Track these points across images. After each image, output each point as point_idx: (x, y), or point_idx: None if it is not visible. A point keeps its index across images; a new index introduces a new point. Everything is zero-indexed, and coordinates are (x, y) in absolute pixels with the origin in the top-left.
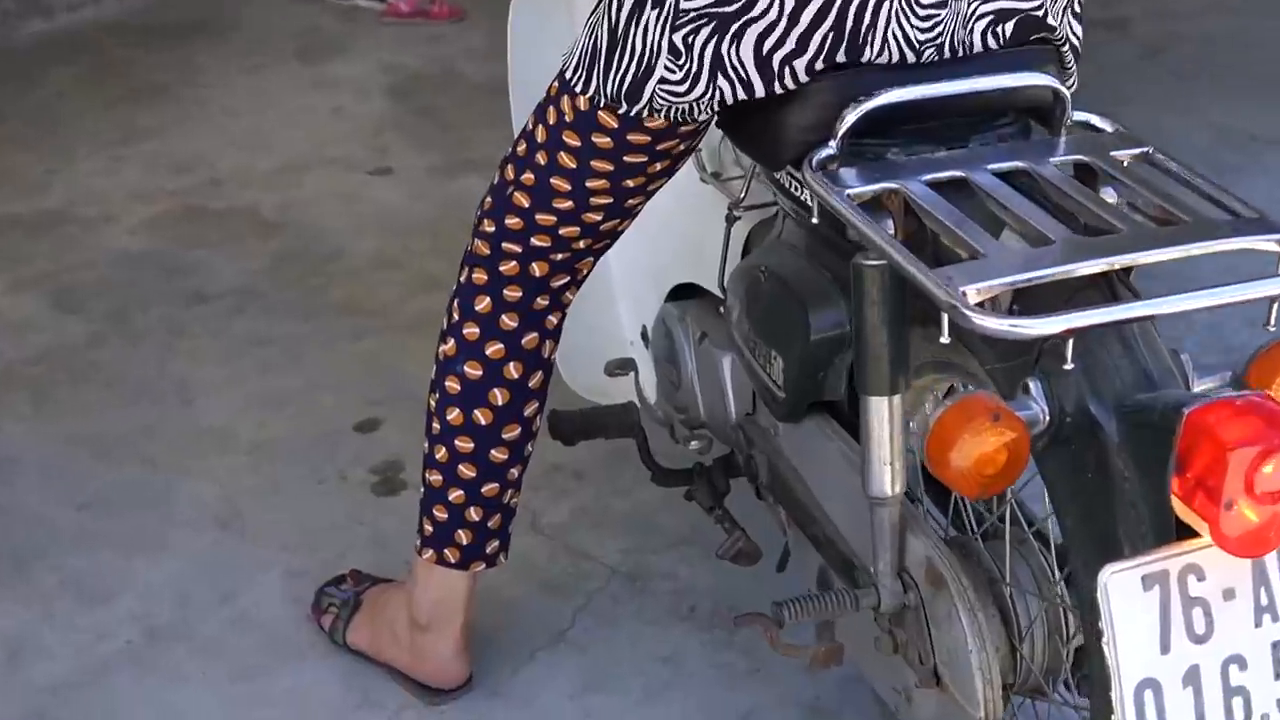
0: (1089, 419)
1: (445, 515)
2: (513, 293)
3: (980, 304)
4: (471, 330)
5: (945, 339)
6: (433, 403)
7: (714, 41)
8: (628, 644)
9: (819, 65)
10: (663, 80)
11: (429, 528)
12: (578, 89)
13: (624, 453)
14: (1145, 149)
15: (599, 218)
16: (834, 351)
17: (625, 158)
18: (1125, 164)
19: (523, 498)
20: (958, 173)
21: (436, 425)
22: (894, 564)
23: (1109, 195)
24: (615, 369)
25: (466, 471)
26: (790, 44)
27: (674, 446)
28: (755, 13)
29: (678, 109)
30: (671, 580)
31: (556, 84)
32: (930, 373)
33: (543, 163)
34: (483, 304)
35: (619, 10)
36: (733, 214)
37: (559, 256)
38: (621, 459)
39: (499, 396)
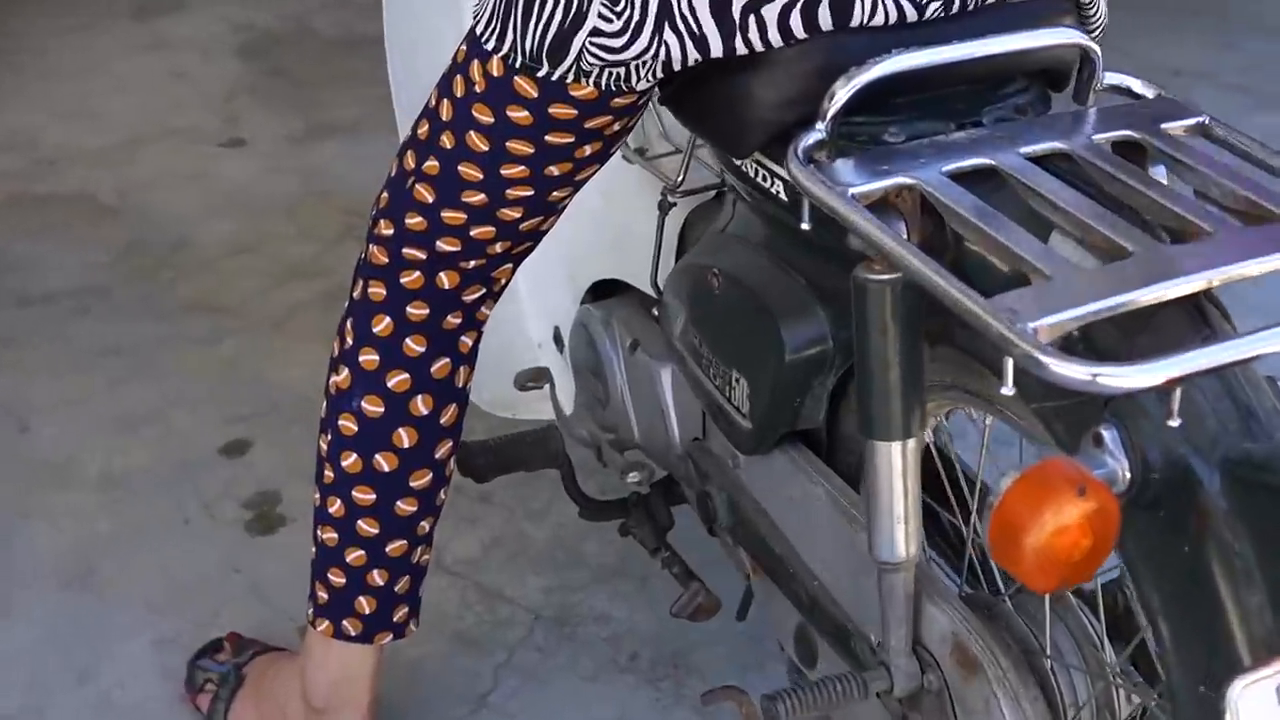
0: (1185, 477)
1: (343, 580)
2: (418, 310)
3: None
4: (369, 358)
5: (1009, 389)
6: (324, 446)
7: None
8: (562, 704)
9: (795, 21)
10: (595, 32)
11: (323, 595)
12: (489, 47)
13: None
14: (1200, 118)
15: (517, 214)
16: (813, 374)
17: (548, 137)
18: (1178, 139)
19: None
20: (983, 159)
21: (330, 473)
22: (909, 639)
23: (1166, 180)
24: (528, 382)
25: (367, 528)
26: None
27: (601, 469)
28: None
29: (612, 73)
30: (605, 623)
31: (465, 46)
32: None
33: (449, 146)
34: (382, 325)
35: None
36: (667, 200)
37: (471, 264)
38: (534, 475)
39: (405, 437)
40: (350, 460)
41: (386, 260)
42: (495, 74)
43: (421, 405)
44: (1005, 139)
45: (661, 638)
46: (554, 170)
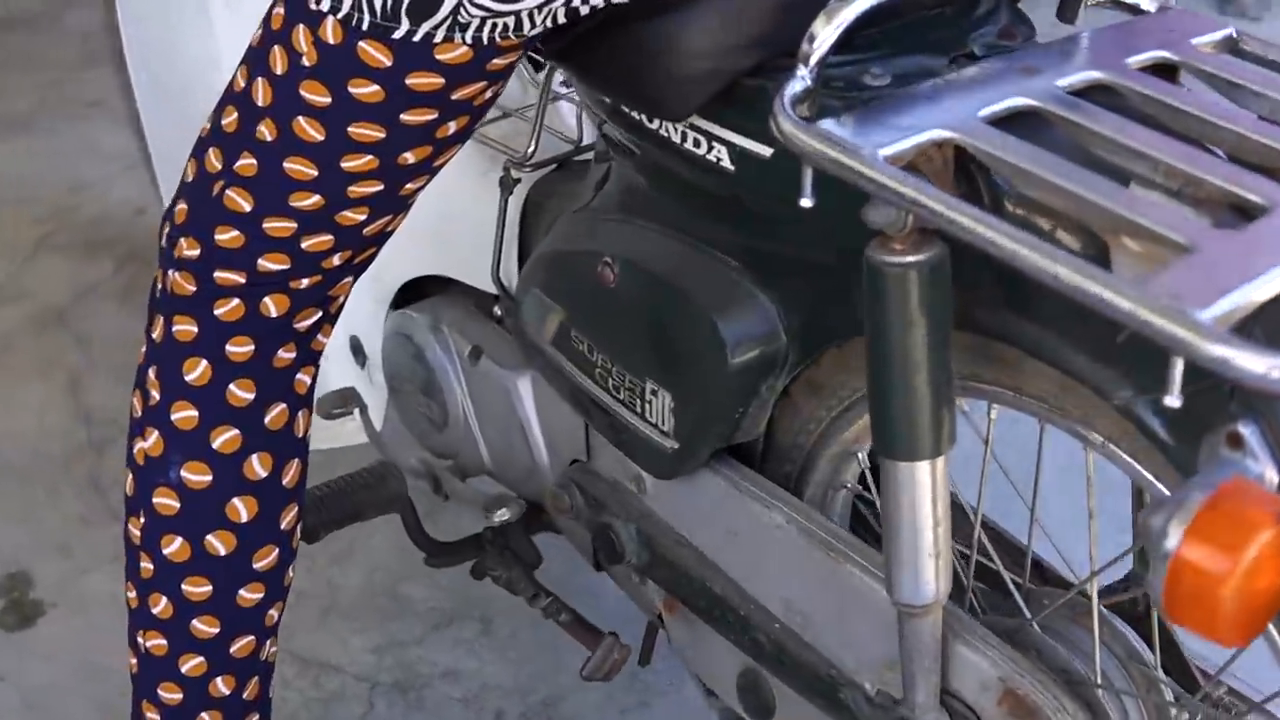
0: None
1: (179, 696)
2: (240, 348)
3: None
4: (185, 414)
5: (1174, 399)
6: (135, 531)
7: None
8: None
9: None
10: None
11: (154, 716)
12: (322, 6)
13: None
14: (1227, 31)
15: (362, 216)
16: (762, 377)
17: (404, 116)
18: (1213, 57)
19: None
20: (1020, 99)
21: (148, 565)
22: (938, 690)
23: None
24: (332, 409)
25: (205, 628)
26: None
27: (440, 504)
28: None
29: (496, 24)
30: (455, 680)
31: (282, 9)
32: None
33: (270, 138)
34: (197, 371)
35: None
36: (510, 176)
37: (304, 283)
38: None
39: (242, 509)
40: (175, 546)
41: (194, 289)
42: (332, 40)
43: (258, 466)
44: (1027, 72)
45: (524, 688)
46: (409, 157)
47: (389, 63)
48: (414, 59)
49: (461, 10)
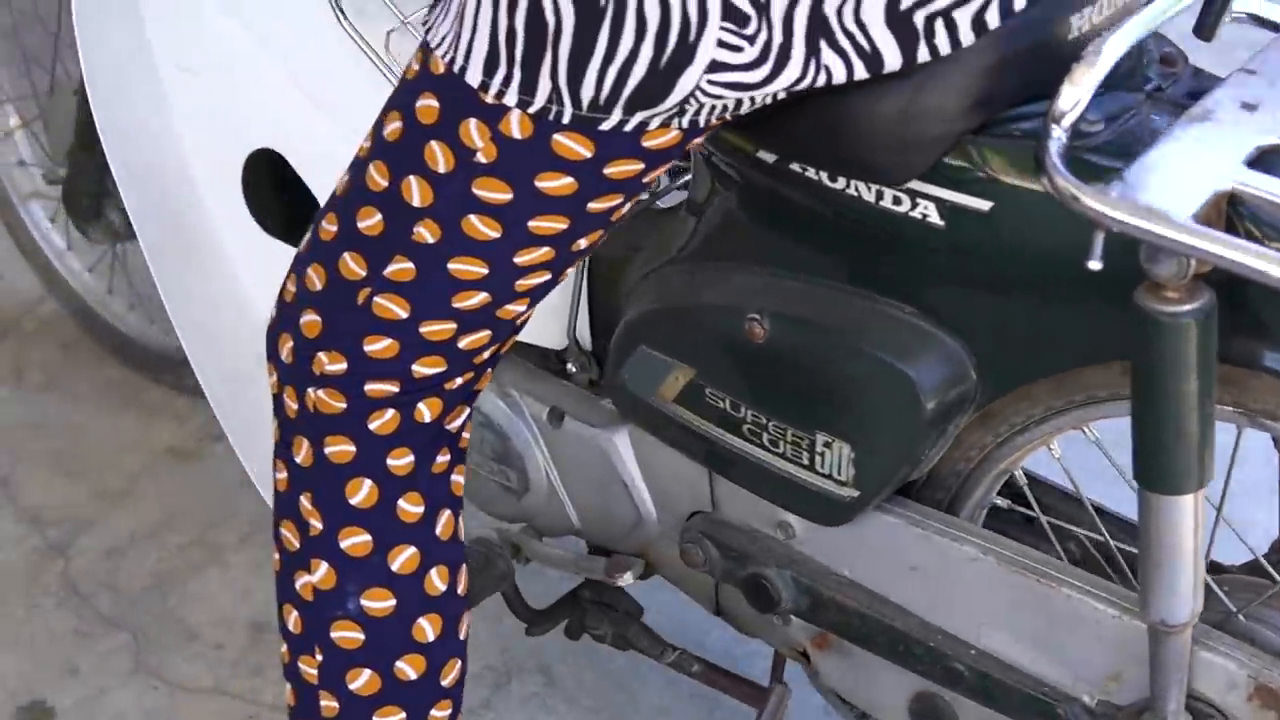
0: None
1: None
2: (400, 460)
3: None
4: (357, 540)
5: None
6: (311, 671)
7: None
8: None
9: (992, 15)
10: (716, 67)
11: None
12: (509, 100)
13: None
14: None
15: (522, 308)
16: (953, 417)
17: (591, 204)
18: None
19: None
20: (1269, 139)
21: (332, 703)
22: (1184, 698)
23: None
24: None
25: None
26: None
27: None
28: None
29: (716, 106)
30: None
31: (435, 102)
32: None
33: (432, 240)
34: (362, 493)
35: None
36: None
37: (458, 381)
38: None
39: (428, 628)
40: (363, 679)
41: (344, 405)
42: (518, 135)
43: (437, 580)
44: (1249, 107)
45: None
46: (582, 243)
47: (589, 154)
48: (619, 148)
49: (699, 93)
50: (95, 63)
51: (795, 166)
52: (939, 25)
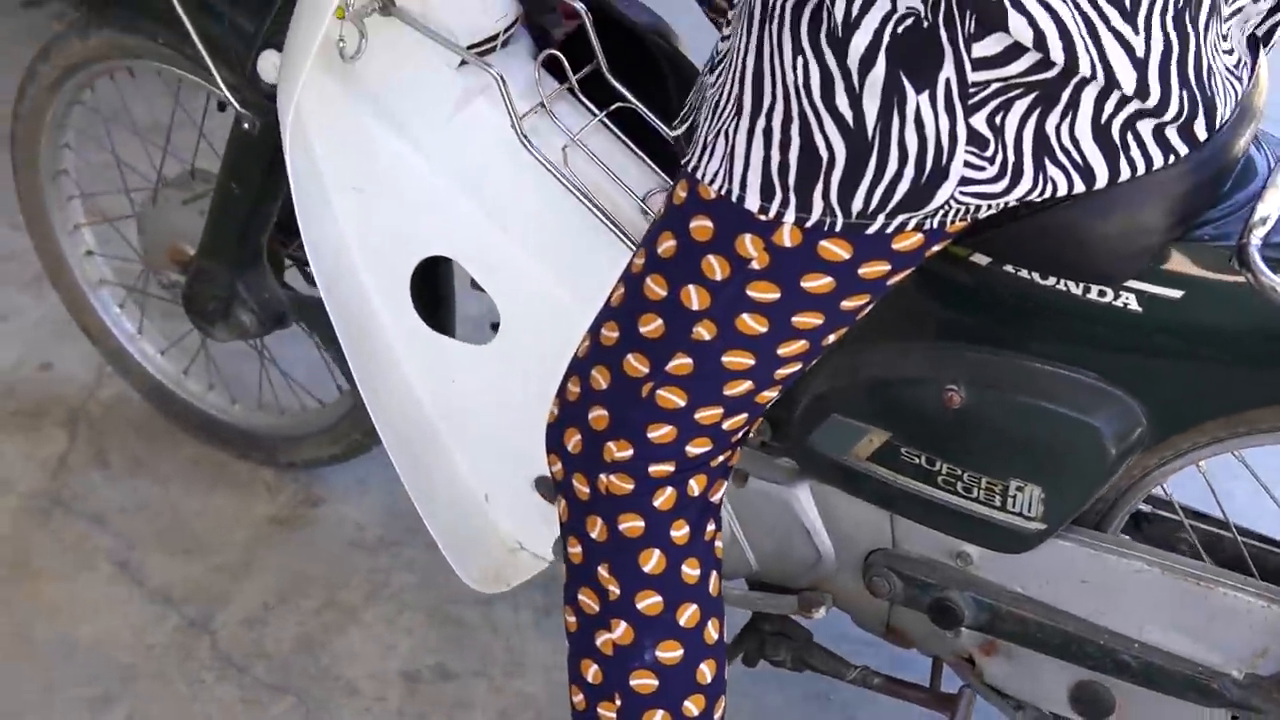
0: None
1: None
2: (679, 531)
3: None
4: (651, 601)
5: None
6: (610, 715)
7: (1035, 117)
8: None
9: (1172, 135)
10: (964, 181)
11: None
12: (787, 218)
13: None
14: None
15: (775, 393)
16: (1125, 460)
17: (844, 302)
18: None
19: None
20: None
21: None
22: None
23: None
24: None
25: None
26: (1140, 107)
27: None
28: (1085, 71)
29: (960, 210)
30: None
31: (709, 222)
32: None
33: (709, 337)
34: (652, 562)
35: (852, 105)
36: None
37: (720, 459)
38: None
39: (707, 671)
40: (656, 719)
41: (631, 486)
42: (789, 244)
43: (712, 630)
44: None
45: None
46: (830, 338)
47: (847, 256)
48: (872, 250)
49: (946, 204)
50: (300, 188)
51: (1008, 268)
52: (1130, 139)
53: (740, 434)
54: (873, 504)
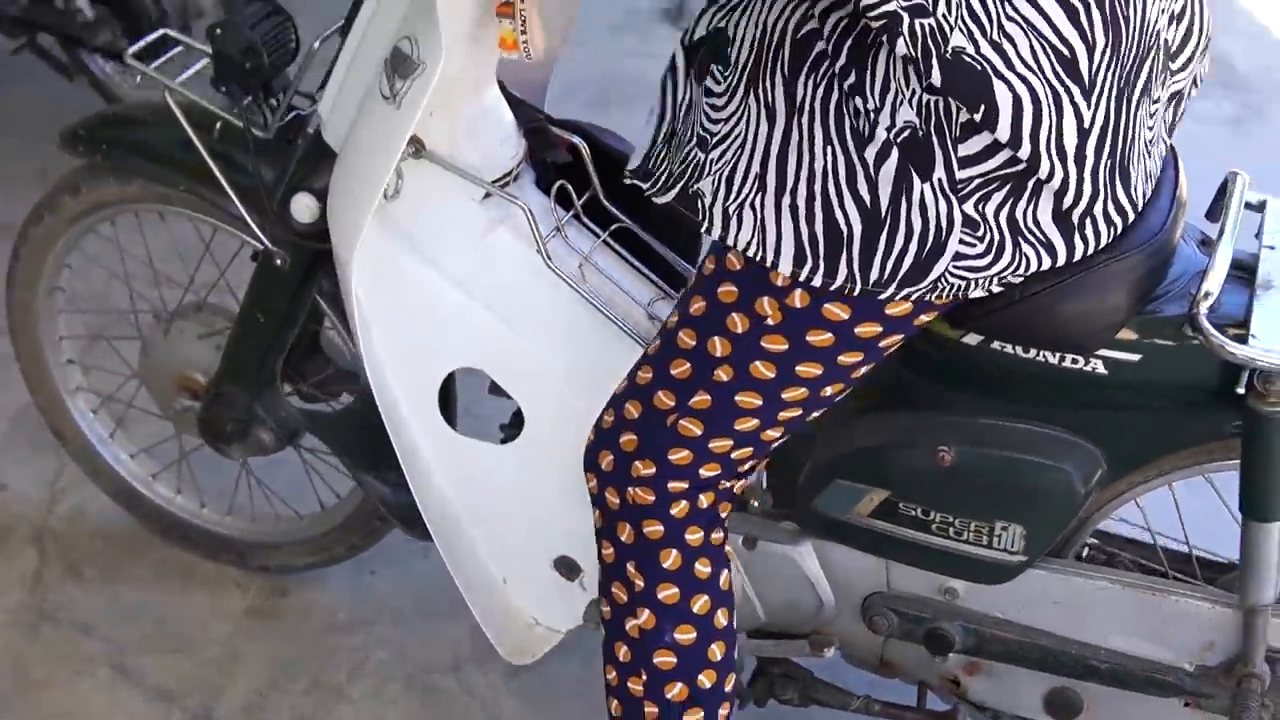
0: None
1: None
2: (693, 535)
3: None
4: (669, 593)
5: None
6: (637, 688)
7: (1008, 206)
8: None
9: (1112, 212)
10: (958, 257)
11: None
12: (814, 280)
13: None
14: None
15: (778, 434)
16: (1089, 497)
17: (841, 357)
18: None
19: None
20: None
21: (654, 710)
22: (1264, 650)
23: None
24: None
25: None
26: (1085, 199)
27: None
28: (1043, 174)
29: (950, 286)
30: None
31: (733, 287)
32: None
33: (725, 379)
34: (670, 560)
35: (869, 189)
36: None
37: (726, 483)
38: None
39: (717, 651)
40: (675, 691)
41: (653, 499)
42: (799, 305)
43: (721, 618)
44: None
45: None
46: (828, 391)
47: (846, 316)
48: (868, 313)
49: (945, 278)
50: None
51: (996, 345)
52: (1088, 223)
53: (748, 465)
54: (870, 553)
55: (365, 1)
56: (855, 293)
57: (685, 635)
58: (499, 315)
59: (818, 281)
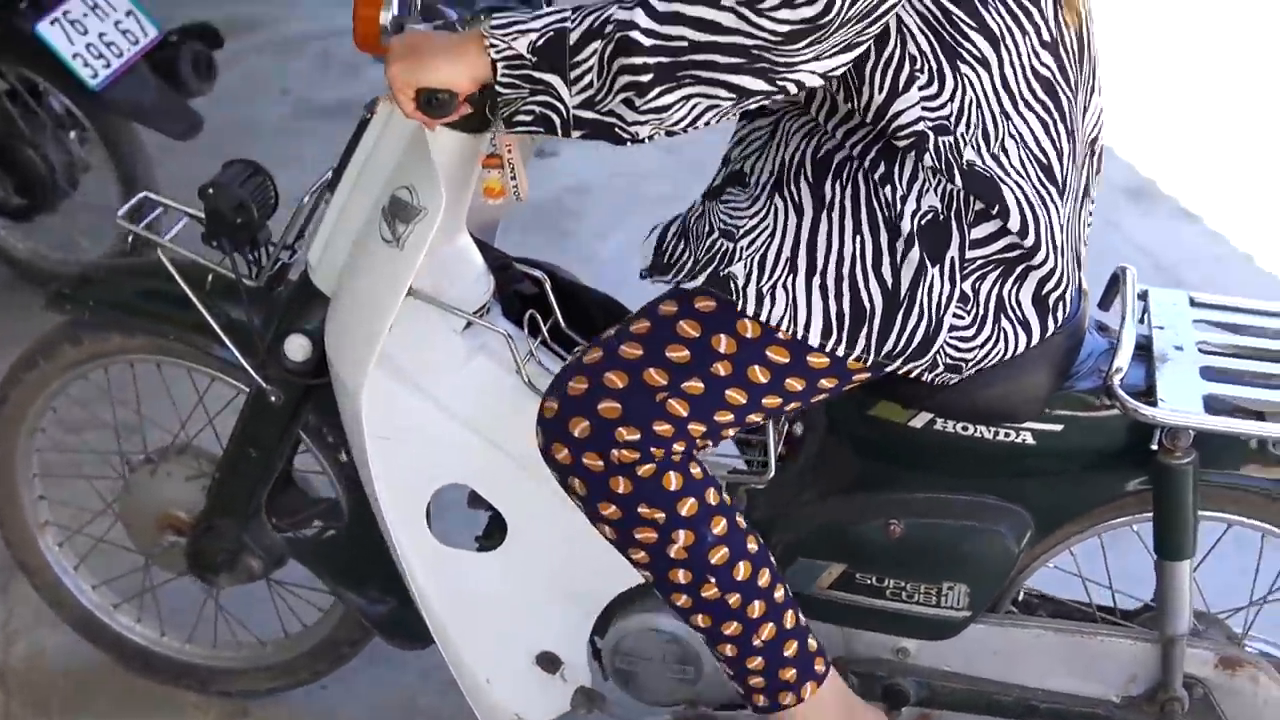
0: None
1: (795, 647)
2: (694, 470)
3: None
4: (689, 504)
5: None
6: (713, 591)
7: (998, 286)
8: None
9: (1069, 297)
10: (952, 328)
11: (790, 669)
12: (838, 352)
13: None
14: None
15: (734, 432)
16: (1022, 554)
17: (821, 380)
18: None
19: None
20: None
21: (734, 595)
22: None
23: None
24: (580, 706)
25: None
26: (1061, 284)
27: None
28: (1037, 260)
29: (946, 366)
30: None
31: (751, 335)
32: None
33: (723, 374)
34: (674, 483)
35: (893, 273)
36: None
37: (693, 454)
38: None
39: (741, 522)
40: (740, 570)
41: (636, 457)
42: (817, 366)
43: (741, 521)
44: (1176, 346)
45: None
46: (788, 407)
47: (829, 361)
48: (846, 376)
49: (942, 352)
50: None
51: (938, 425)
52: (1060, 306)
53: (710, 443)
54: (832, 623)
55: (350, 163)
56: (868, 363)
57: (719, 527)
58: (483, 435)
59: (840, 353)
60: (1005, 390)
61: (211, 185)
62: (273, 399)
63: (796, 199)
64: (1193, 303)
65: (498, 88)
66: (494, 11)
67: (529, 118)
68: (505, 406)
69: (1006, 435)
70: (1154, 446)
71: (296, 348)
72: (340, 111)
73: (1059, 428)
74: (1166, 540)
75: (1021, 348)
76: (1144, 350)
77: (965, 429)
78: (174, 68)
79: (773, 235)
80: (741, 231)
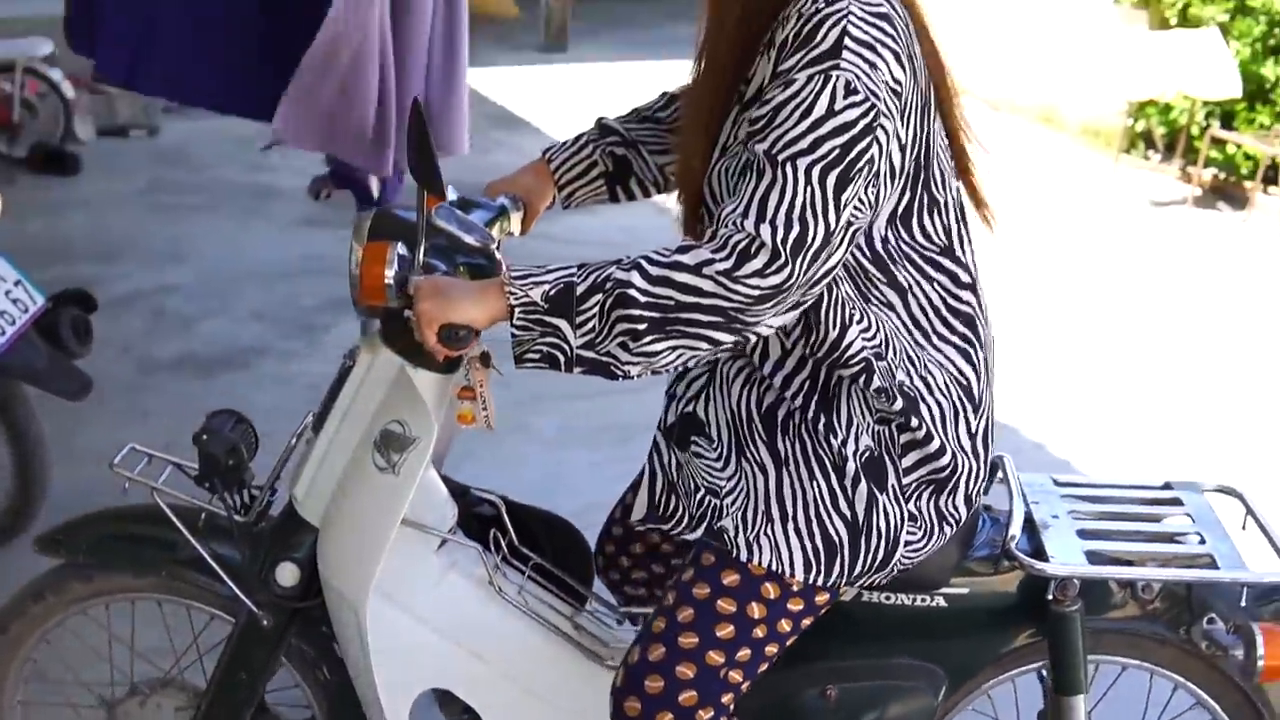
0: None
1: None
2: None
3: None
4: None
5: None
6: None
7: (934, 499)
8: None
9: (981, 489)
10: (906, 543)
11: None
12: (817, 582)
13: None
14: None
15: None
16: (940, 702)
17: (804, 620)
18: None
19: None
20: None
21: None
22: None
23: None
24: None
25: None
26: (978, 482)
27: None
28: (960, 473)
29: (902, 569)
30: None
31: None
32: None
33: (761, 636)
34: None
35: (849, 507)
36: None
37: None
38: None
39: None
40: None
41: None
42: (794, 599)
43: None
44: (1053, 515)
45: None
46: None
47: (826, 597)
48: (813, 607)
49: (898, 564)
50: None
51: (864, 596)
52: (977, 499)
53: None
54: None
55: (335, 406)
56: (841, 587)
57: None
58: (460, 642)
59: (819, 582)
60: (925, 563)
61: (205, 432)
62: (264, 623)
63: (759, 458)
64: (1055, 482)
65: (513, 329)
66: (473, 266)
67: (538, 355)
68: (478, 615)
69: (923, 601)
70: (1049, 597)
71: (287, 574)
72: (182, 365)
73: (966, 590)
74: (1061, 678)
75: (949, 536)
76: (1027, 521)
77: (889, 598)
78: (55, 332)
79: (749, 495)
80: (724, 491)
